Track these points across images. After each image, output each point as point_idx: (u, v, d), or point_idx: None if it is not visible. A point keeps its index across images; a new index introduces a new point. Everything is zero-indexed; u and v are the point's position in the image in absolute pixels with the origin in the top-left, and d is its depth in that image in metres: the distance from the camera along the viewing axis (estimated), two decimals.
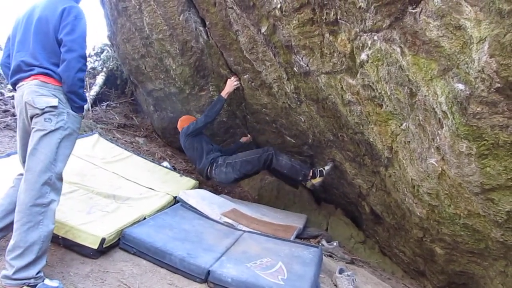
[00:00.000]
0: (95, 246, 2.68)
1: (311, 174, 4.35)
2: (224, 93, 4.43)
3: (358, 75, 2.88)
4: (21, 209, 2.21)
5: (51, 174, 2.30)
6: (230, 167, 4.42)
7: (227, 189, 5.75)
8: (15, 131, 4.55)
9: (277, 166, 4.37)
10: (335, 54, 2.93)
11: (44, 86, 2.40)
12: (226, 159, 4.52)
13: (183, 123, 4.84)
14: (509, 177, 2.27)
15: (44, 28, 2.44)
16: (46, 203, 2.27)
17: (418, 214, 3.34)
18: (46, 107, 2.34)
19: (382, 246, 4.78)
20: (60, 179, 2.39)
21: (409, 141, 2.92)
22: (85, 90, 2.74)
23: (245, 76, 4.28)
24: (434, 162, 2.72)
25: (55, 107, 2.36)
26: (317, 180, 4.35)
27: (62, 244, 2.73)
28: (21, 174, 2.45)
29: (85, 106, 2.78)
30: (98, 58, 7.70)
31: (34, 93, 2.36)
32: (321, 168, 4.39)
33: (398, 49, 2.35)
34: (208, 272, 2.72)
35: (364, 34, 2.54)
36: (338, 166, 4.41)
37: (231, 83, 4.40)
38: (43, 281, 2.21)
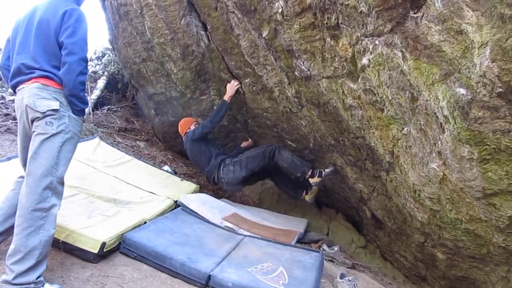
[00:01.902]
0: (96, 250, 2.68)
1: (310, 173, 4.36)
2: (226, 97, 4.45)
3: (359, 79, 2.88)
4: (22, 213, 2.20)
5: (53, 178, 2.29)
6: (238, 165, 4.44)
7: (228, 193, 5.74)
8: (16, 135, 4.56)
9: (278, 159, 4.39)
10: (336, 59, 2.93)
11: (45, 89, 2.39)
12: (233, 158, 4.57)
13: (184, 127, 4.83)
14: (511, 182, 2.26)
15: (45, 31, 2.44)
16: (47, 208, 2.26)
17: (420, 219, 3.32)
18: (47, 110, 2.33)
19: (383, 251, 4.76)
20: (62, 183, 2.38)
21: (410, 146, 2.91)
22: (86, 94, 2.73)
23: (246, 81, 4.28)
24: (435, 167, 2.71)
25: (56, 110, 2.35)
26: (315, 180, 4.36)
27: (63, 248, 2.72)
28: (22, 177, 2.44)
29: (86, 110, 2.77)
30: (99, 62, 7.72)
31: (35, 96, 2.36)
32: (321, 170, 4.41)
33: (400, 54, 2.35)
34: (209, 277, 2.71)
35: (366, 39, 2.54)
36: (339, 170, 4.40)
37: (232, 86, 4.41)
38: (43, 286, 2.20)
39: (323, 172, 4.37)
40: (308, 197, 4.63)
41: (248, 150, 4.73)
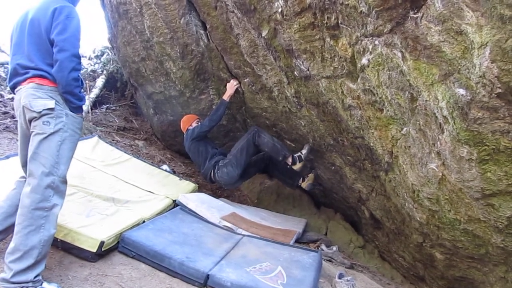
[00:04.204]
0: (94, 249, 2.68)
1: (291, 159, 4.35)
2: (226, 96, 4.45)
3: (358, 79, 2.88)
4: (23, 212, 2.20)
5: (54, 177, 2.29)
6: (230, 166, 4.41)
7: (226, 193, 5.74)
8: (15, 133, 4.56)
9: (260, 143, 4.37)
10: (336, 59, 2.93)
11: (40, 89, 2.39)
12: (225, 160, 4.53)
13: (186, 123, 4.83)
14: (509, 182, 2.26)
15: (37, 30, 2.43)
16: (49, 207, 2.26)
17: (418, 219, 3.33)
18: (43, 109, 2.33)
19: (382, 251, 4.76)
20: (64, 181, 2.38)
21: (409, 146, 2.91)
22: (84, 92, 2.73)
23: (245, 80, 4.28)
24: (434, 167, 2.71)
25: (52, 109, 2.35)
26: (298, 166, 4.36)
27: (61, 247, 2.72)
28: (24, 177, 2.45)
29: (85, 108, 2.76)
30: (98, 61, 7.71)
31: (30, 96, 2.35)
32: (299, 154, 4.39)
33: (399, 54, 2.35)
34: (207, 276, 2.71)
35: (365, 39, 2.54)
36: (338, 170, 4.40)
37: (232, 85, 4.42)
38: (41, 285, 2.21)
39: (302, 155, 4.36)
40: (304, 184, 4.61)
41: (233, 146, 4.70)
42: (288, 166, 4.43)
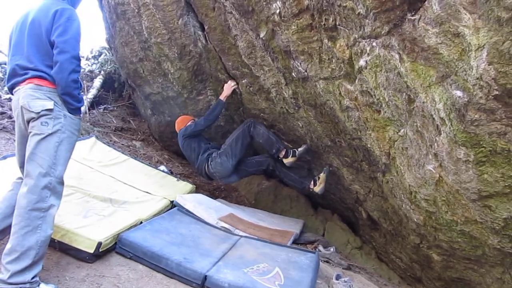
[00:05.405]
0: (91, 250, 2.67)
1: (284, 152, 4.34)
2: (222, 97, 4.44)
3: (356, 81, 2.89)
4: (20, 212, 2.20)
5: (51, 178, 2.29)
6: (224, 156, 4.40)
7: (224, 194, 5.73)
8: (12, 133, 4.55)
9: (254, 134, 4.38)
10: (333, 60, 2.94)
11: (39, 89, 2.39)
12: (218, 150, 4.52)
13: (181, 124, 4.81)
14: (506, 184, 2.28)
15: (37, 31, 2.44)
16: (46, 208, 2.25)
17: (415, 220, 3.34)
18: (42, 110, 2.32)
19: (379, 252, 4.77)
20: (61, 182, 2.37)
21: (406, 147, 2.92)
22: (82, 92, 2.73)
23: (243, 81, 4.28)
24: (431, 169, 2.72)
25: (50, 110, 2.35)
26: (289, 160, 4.32)
27: (58, 248, 2.71)
28: (20, 178, 2.44)
29: (82, 109, 2.76)
30: (96, 61, 7.69)
31: (29, 96, 2.35)
32: (295, 149, 4.37)
33: (397, 56, 2.36)
34: (205, 277, 2.71)
35: (363, 40, 2.55)
36: (336, 171, 4.41)
37: (229, 86, 4.41)
38: (38, 285, 2.20)
39: (297, 152, 4.32)
40: (317, 188, 4.36)
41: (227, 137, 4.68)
42: (279, 159, 4.42)
